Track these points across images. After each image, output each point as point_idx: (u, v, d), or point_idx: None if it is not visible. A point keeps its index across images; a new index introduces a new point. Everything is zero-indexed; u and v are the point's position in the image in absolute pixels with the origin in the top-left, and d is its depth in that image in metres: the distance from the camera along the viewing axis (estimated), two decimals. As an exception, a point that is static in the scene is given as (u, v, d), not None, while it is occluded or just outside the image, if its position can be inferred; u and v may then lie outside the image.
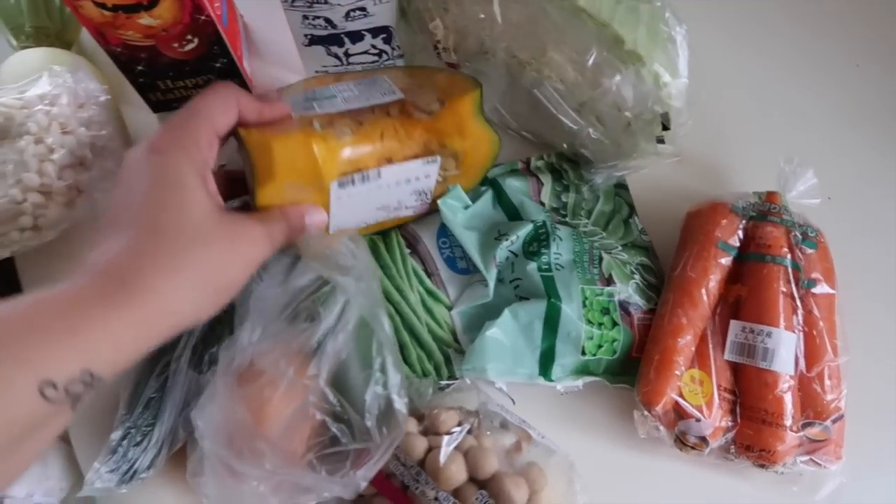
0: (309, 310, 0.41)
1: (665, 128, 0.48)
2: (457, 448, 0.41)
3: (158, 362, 0.44)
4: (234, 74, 0.58)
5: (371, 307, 0.39)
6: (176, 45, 0.53)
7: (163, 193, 0.34)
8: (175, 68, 0.55)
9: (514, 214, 0.53)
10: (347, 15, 0.54)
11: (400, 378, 0.37)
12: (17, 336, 0.28)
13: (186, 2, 0.49)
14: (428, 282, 0.50)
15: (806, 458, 0.47)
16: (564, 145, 0.55)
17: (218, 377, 0.40)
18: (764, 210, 0.50)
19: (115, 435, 0.41)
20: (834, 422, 0.46)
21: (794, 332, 0.47)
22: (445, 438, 0.41)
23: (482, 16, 0.49)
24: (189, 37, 0.52)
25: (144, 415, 0.42)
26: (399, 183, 0.47)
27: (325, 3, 0.52)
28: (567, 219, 0.53)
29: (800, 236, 0.49)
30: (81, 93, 0.43)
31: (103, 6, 0.47)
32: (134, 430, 0.41)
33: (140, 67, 0.54)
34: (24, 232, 0.42)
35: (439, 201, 0.50)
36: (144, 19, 0.49)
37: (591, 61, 0.45)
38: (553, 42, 0.47)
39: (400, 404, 0.37)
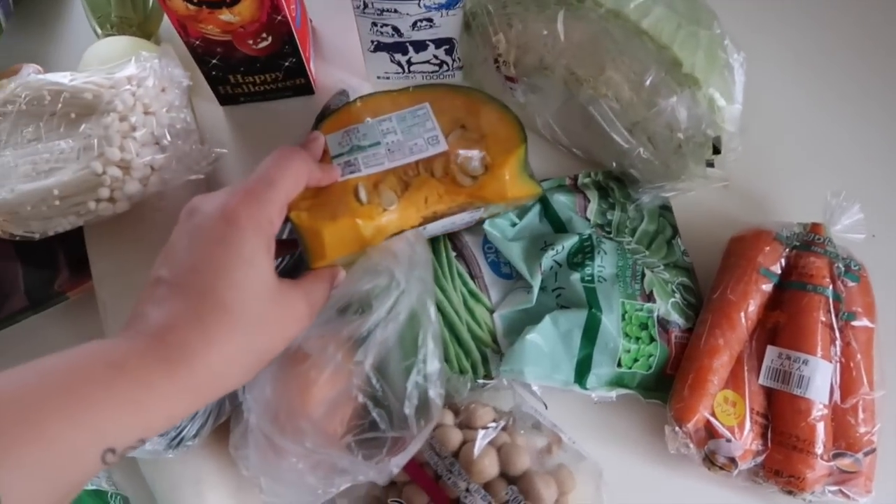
0: (361, 301, 0.42)
1: (716, 151, 0.49)
2: (490, 443, 0.42)
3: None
4: (300, 73, 0.61)
5: (421, 295, 0.40)
6: (251, 41, 0.56)
7: (232, 270, 0.34)
8: (247, 64, 0.58)
9: (560, 228, 0.55)
10: (415, 25, 0.56)
11: (438, 368, 0.39)
12: (87, 403, 0.29)
13: (266, 1, 0.52)
14: (471, 283, 0.51)
15: (835, 488, 0.47)
16: (613, 163, 0.57)
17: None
18: (808, 240, 0.51)
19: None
20: (866, 454, 0.47)
21: (830, 361, 0.47)
22: (480, 433, 0.42)
23: (545, 32, 0.51)
24: (264, 35, 0.55)
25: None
26: (443, 226, 0.49)
27: (395, 11, 0.55)
28: (612, 236, 0.55)
29: (843, 268, 0.49)
30: (166, 77, 0.46)
31: (189, 1, 0.51)
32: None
33: (214, 61, 0.57)
34: (99, 203, 0.44)
35: (486, 225, 0.51)
36: (225, 15, 0.52)
37: (648, 81, 0.47)
38: (612, 61, 0.49)
39: (434, 394, 0.38)
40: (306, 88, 0.63)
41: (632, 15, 0.46)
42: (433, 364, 0.38)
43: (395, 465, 0.38)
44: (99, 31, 0.60)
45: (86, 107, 0.45)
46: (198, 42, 0.55)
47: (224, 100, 0.63)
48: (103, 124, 0.44)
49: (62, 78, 0.46)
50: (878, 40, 0.65)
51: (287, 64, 0.59)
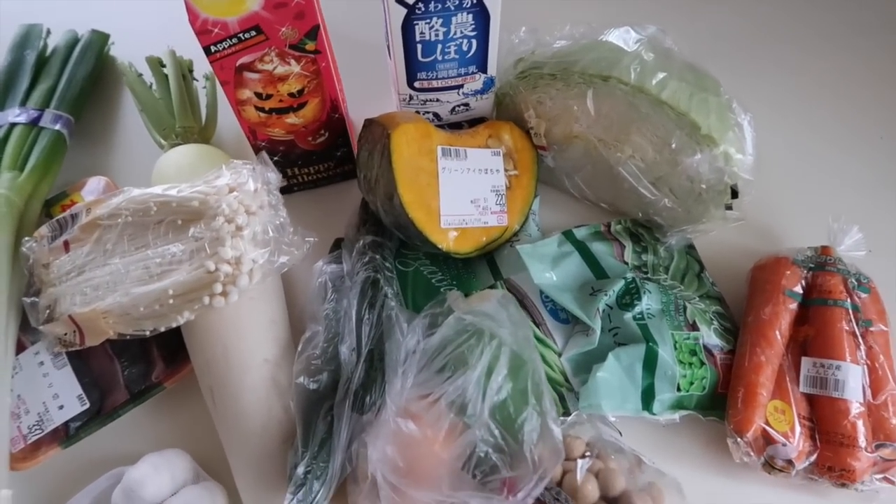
0: (456, 361, 0.48)
1: (734, 196, 0.57)
2: (588, 470, 0.48)
3: (322, 407, 0.51)
4: (350, 160, 0.68)
5: (529, 352, 0.46)
6: (310, 138, 0.63)
7: None
8: (305, 158, 0.65)
9: (601, 274, 0.61)
10: (453, 110, 0.64)
11: (555, 411, 0.45)
12: None
13: (327, 103, 0.59)
14: (538, 331, 0.57)
15: (880, 476, 0.53)
16: (639, 213, 0.64)
17: (386, 418, 0.47)
18: (821, 262, 0.58)
19: (301, 469, 0.47)
20: (901, 442, 0.53)
21: (859, 364, 0.54)
22: (580, 462, 0.48)
23: (575, 108, 0.59)
24: (322, 131, 0.62)
25: (321, 452, 0.48)
26: (479, 171, 0.59)
27: (437, 101, 0.62)
28: (648, 275, 0.62)
29: (855, 283, 0.57)
30: (262, 180, 0.52)
31: (262, 109, 0.57)
32: (315, 465, 0.48)
33: (276, 158, 0.64)
34: (213, 297, 0.49)
35: (535, 279, 0.58)
36: (291, 119, 0.59)
37: (674, 145, 0.55)
38: (637, 128, 0.57)
39: (557, 433, 0.44)
40: (352, 173, 0.70)
41: (653, 90, 0.54)
42: (549, 406, 0.44)
43: (522, 500, 0.43)
44: (163, 142, 0.66)
45: (192, 213, 0.51)
46: (264, 143, 0.61)
47: (281, 191, 0.69)
48: (213, 227, 0.49)
49: (168, 189, 0.52)
50: (850, 88, 0.77)
51: (339, 154, 0.66)
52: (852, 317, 0.55)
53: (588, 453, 0.48)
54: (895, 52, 0.80)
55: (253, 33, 0.50)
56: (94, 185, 0.67)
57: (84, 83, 0.76)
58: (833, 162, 0.72)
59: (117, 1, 0.87)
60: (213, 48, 0.51)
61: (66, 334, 0.56)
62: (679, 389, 0.55)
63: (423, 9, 0.52)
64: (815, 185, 0.70)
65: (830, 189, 0.70)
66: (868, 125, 0.74)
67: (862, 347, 0.55)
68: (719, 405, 0.56)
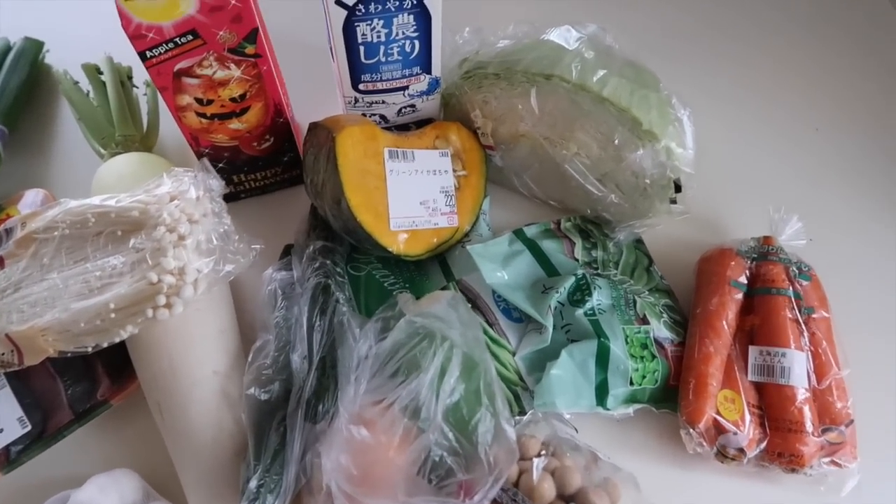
0: (409, 364, 0.48)
1: (678, 190, 0.58)
2: (544, 468, 0.48)
3: (274, 418, 0.50)
4: (297, 165, 0.67)
5: (473, 348, 0.46)
6: (255, 143, 0.61)
7: None
8: (250, 164, 0.64)
9: (552, 271, 0.62)
10: (400, 111, 0.64)
11: (508, 411, 0.45)
12: None
13: (270, 108, 0.58)
14: (491, 331, 0.57)
15: (827, 459, 0.54)
16: (588, 210, 0.65)
17: (339, 427, 0.46)
18: (763, 252, 0.60)
19: (254, 483, 0.46)
20: (846, 426, 0.55)
21: (803, 351, 0.56)
22: (535, 461, 0.48)
23: (520, 107, 0.59)
24: (267, 136, 0.61)
25: (273, 465, 0.48)
26: (428, 172, 0.59)
27: (383, 103, 0.62)
28: (599, 271, 0.62)
29: (797, 271, 0.59)
30: (203, 188, 0.51)
31: (203, 115, 0.56)
32: (268, 478, 0.47)
33: (221, 165, 0.62)
34: (157, 310, 0.48)
35: (488, 279, 0.58)
36: (234, 124, 0.58)
37: (617, 141, 0.55)
38: (581, 125, 0.58)
39: (511, 433, 0.44)
40: (300, 178, 0.69)
41: (594, 87, 0.55)
42: (502, 407, 0.44)
43: (481, 502, 0.43)
44: (103, 151, 0.64)
45: (132, 224, 0.49)
46: (207, 150, 0.60)
47: (227, 198, 0.67)
48: (154, 237, 0.48)
49: (106, 200, 0.50)
50: (785, 85, 0.79)
51: (286, 158, 0.65)
52: (794, 304, 0.57)
53: (543, 452, 0.49)
54: (828, 43, 0.83)
55: (189, 37, 0.49)
56: (31, 198, 0.65)
57: (18, 92, 0.73)
58: (771, 154, 0.74)
59: (52, 7, 0.84)
60: (148, 53, 0.50)
61: (3, 354, 0.53)
62: (632, 383, 0.55)
63: (363, 10, 0.52)
64: (755, 176, 0.72)
65: (770, 180, 0.71)
66: (804, 117, 0.76)
67: (805, 334, 0.56)
68: (671, 397, 0.57)
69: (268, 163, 0.64)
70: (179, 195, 0.50)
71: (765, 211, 0.62)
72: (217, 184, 0.53)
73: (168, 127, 0.70)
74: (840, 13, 0.86)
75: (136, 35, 0.48)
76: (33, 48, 0.77)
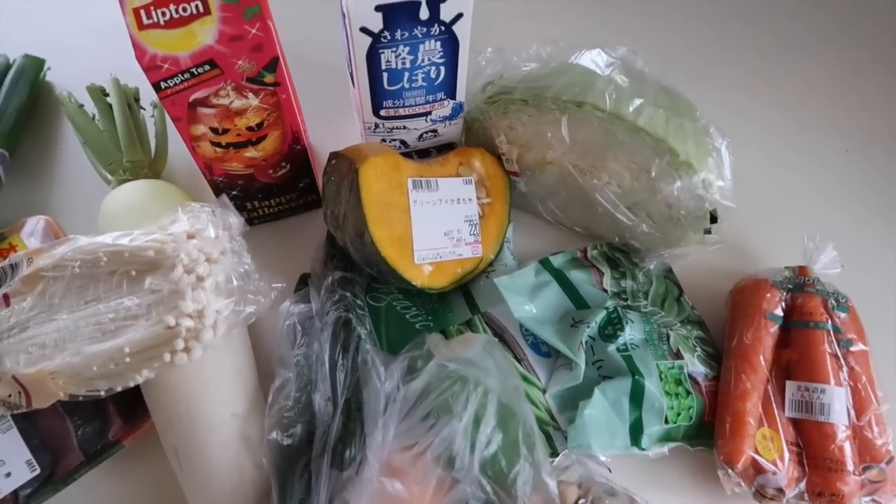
0: (441, 406, 0.45)
1: (713, 221, 0.55)
2: (584, 517, 0.46)
3: (298, 464, 0.48)
4: (313, 191, 0.64)
5: (519, 403, 0.44)
6: (271, 171, 0.59)
7: None
8: (265, 191, 0.61)
9: (581, 303, 0.60)
10: (421, 136, 0.61)
11: (549, 462, 0.43)
12: None
13: (288, 135, 0.56)
14: (520, 367, 0.55)
15: (868, 498, 0.53)
16: (615, 237, 0.63)
17: (370, 477, 0.44)
18: (799, 283, 0.58)
19: (280, 537, 0.44)
20: (887, 463, 0.53)
21: (842, 386, 0.54)
22: (575, 510, 0.46)
23: (549, 134, 0.57)
24: (283, 164, 0.59)
25: (299, 516, 0.45)
26: (452, 201, 0.57)
27: (404, 128, 0.59)
28: (629, 302, 0.60)
29: (835, 303, 0.57)
30: (222, 225, 0.48)
31: (218, 144, 0.54)
32: (294, 531, 0.45)
33: (235, 192, 0.60)
34: (175, 354, 0.46)
35: (515, 313, 0.56)
36: (250, 152, 0.56)
37: (654, 173, 0.53)
38: (613, 154, 0.55)
39: (552, 485, 0.42)
40: (316, 203, 0.66)
41: (629, 116, 0.53)
42: (542, 457, 0.42)
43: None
44: (110, 177, 0.61)
45: (147, 263, 0.47)
46: (221, 179, 0.58)
47: (240, 225, 0.65)
48: (171, 278, 0.45)
49: (119, 238, 0.47)
50: (816, 101, 0.78)
51: (301, 185, 0.63)
52: (833, 338, 0.55)
53: (582, 500, 0.47)
54: (855, 63, 0.81)
55: (207, 68, 0.47)
56: (33, 226, 0.62)
57: (18, 114, 0.70)
58: (801, 177, 0.72)
59: (52, 23, 0.81)
60: (163, 84, 0.47)
61: (10, 396, 0.51)
62: (667, 421, 0.53)
63: (388, 37, 0.49)
64: (785, 200, 0.70)
65: (800, 204, 0.69)
66: (832, 138, 0.74)
67: (844, 369, 0.55)
68: (707, 434, 0.55)
69: (283, 189, 0.62)
70: (197, 233, 0.47)
71: (796, 236, 0.60)
72: (236, 220, 0.50)
73: (175, 150, 0.67)
74: (868, 34, 0.84)
75: (150, 66, 0.45)
76: (34, 66, 0.74)
